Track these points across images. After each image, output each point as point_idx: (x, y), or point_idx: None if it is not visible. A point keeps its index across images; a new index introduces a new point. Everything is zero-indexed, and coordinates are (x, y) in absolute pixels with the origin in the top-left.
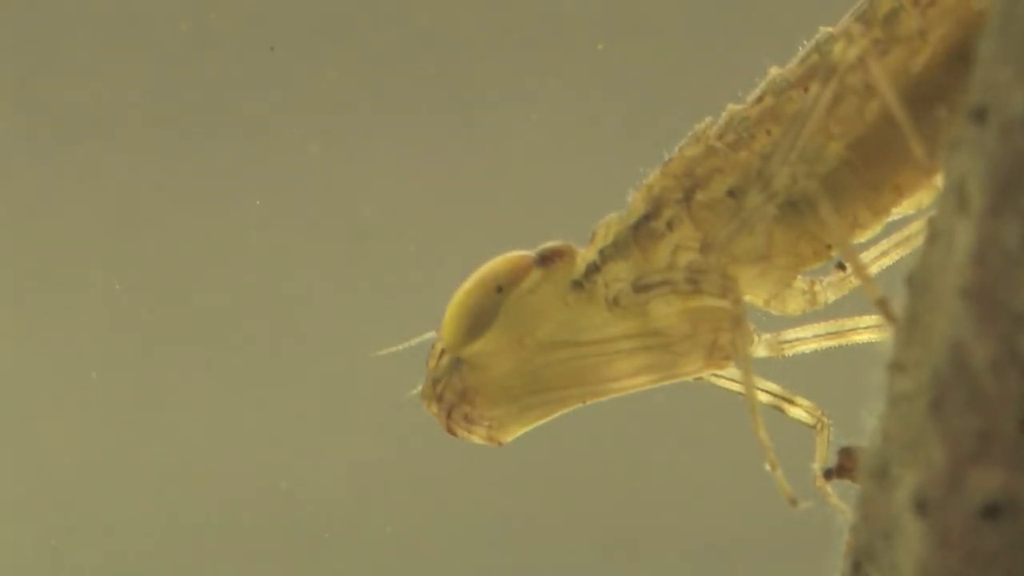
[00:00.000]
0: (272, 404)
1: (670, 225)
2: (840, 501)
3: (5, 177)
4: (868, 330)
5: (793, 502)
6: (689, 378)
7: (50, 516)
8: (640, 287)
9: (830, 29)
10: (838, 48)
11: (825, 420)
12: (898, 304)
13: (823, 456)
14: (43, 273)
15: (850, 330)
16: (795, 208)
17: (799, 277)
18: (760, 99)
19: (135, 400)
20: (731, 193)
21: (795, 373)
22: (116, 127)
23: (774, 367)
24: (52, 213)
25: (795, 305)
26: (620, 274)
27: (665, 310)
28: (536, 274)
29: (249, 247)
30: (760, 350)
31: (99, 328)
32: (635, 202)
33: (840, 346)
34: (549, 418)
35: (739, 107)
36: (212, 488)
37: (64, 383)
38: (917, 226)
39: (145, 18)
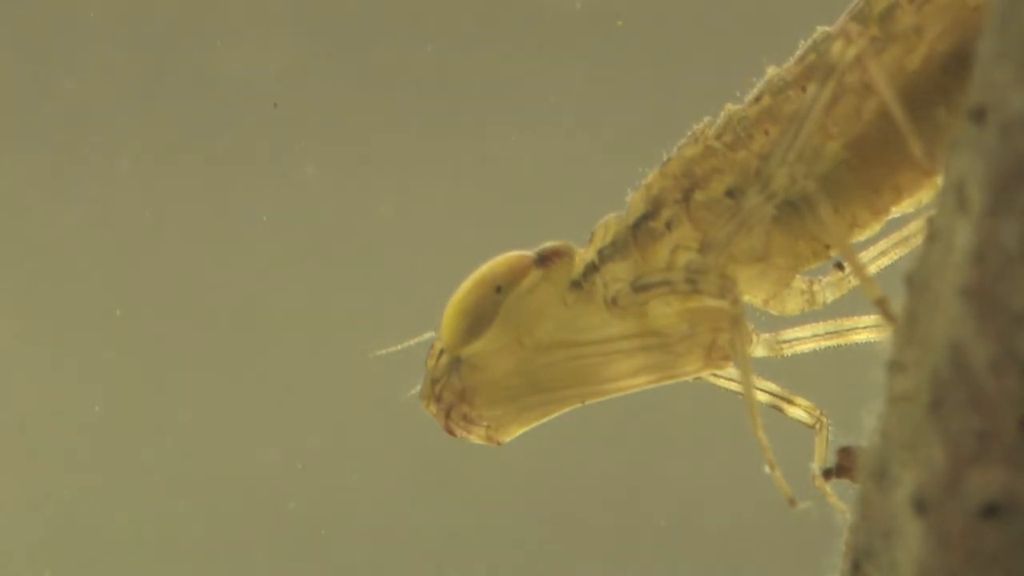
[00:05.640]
0: (273, 407)
1: (669, 225)
2: (839, 501)
3: (5, 201)
4: (867, 330)
5: (792, 502)
6: (688, 378)
7: (52, 535)
8: (639, 287)
9: (827, 28)
10: (836, 47)
11: (824, 420)
12: (897, 304)
13: (822, 456)
14: (44, 294)
15: (849, 330)
16: (794, 208)
17: (798, 277)
18: (758, 99)
19: (137, 421)
20: (730, 193)
21: (794, 373)
22: (118, 149)
23: (773, 367)
24: (54, 237)
25: (794, 305)
26: (619, 274)
27: (664, 310)
28: (535, 274)
29: (246, 254)
30: (759, 350)
31: (100, 351)
32: (634, 202)
33: (839, 346)
34: (548, 418)
35: (737, 107)
36: (214, 494)
37: (66, 406)
38: (916, 226)
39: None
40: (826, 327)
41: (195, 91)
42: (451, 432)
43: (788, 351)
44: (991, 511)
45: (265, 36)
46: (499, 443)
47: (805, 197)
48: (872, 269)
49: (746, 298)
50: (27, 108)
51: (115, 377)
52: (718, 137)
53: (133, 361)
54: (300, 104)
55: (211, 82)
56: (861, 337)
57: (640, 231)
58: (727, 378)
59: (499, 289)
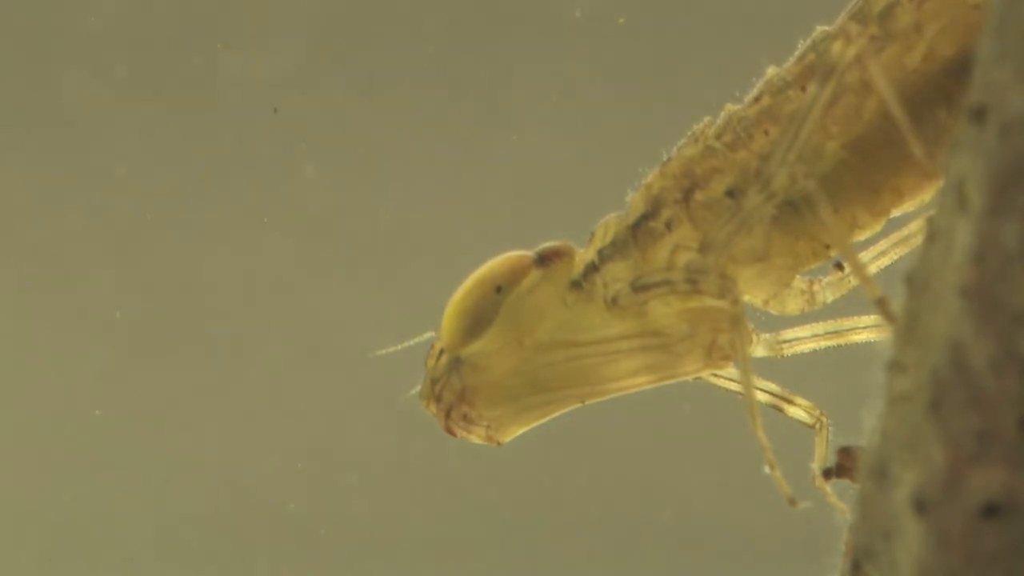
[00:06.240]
0: (273, 407)
1: (669, 225)
2: (839, 501)
3: (5, 201)
4: (867, 330)
5: (792, 502)
6: (688, 378)
7: (53, 537)
8: (639, 287)
9: (827, 28)
10: (837, 47)
11: (824, 420)
12: (897, 304)
13: (822, 456)
14: (44, 296)
15: (849, 330)
16: (794, 208)
17: (798, 277)
18: (758, 99)
19: (137, 422)
20: (730, 193)
21: (794, 373)
22: (120, 152)
23: (773, 367)
24: (54, 237)
25: (794, 305)
26: (619, 274)
27: (664, 310)
28: (535, 274)
29: (247, 256)
30: (759, 350)
31: (100, 353)
32: (634, 202)
33: (839, 346)
34: (548, 418)
35: (737, 107)
36: (214, 495)
37: (66, 409)
38: (916, 225)
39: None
40: (826, 327)
41: (197, 95)
42: (451, 432)
43: (788, 351)
44: (991, 511)
45: (266, 41)
46: (499, 443)
47: (805, 197)
48: (872, 269)
49: (746, 298)
50: (29, 110)
51: (115, 380)
52: (718, 137)
53: (133, 363)
54: (300, 107)
55: (212, 86)
56: (861, 337)
57: (640, 231)
58: (727, 378)
59: (499, 289)
